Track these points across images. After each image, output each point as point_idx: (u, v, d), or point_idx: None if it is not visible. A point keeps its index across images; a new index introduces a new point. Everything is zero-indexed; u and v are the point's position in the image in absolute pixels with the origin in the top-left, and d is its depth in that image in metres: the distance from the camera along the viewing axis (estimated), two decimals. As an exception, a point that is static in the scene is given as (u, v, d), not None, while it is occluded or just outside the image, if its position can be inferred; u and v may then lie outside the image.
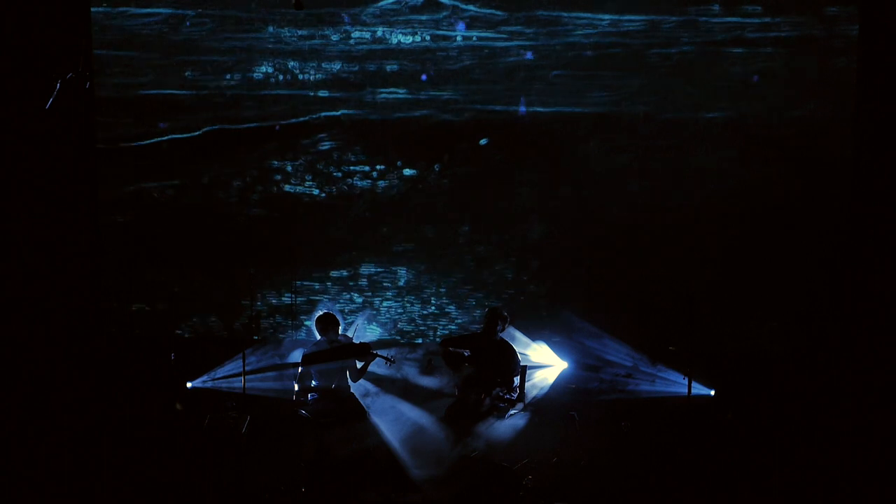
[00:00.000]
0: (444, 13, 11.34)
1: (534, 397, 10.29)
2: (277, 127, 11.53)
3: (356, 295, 11.73)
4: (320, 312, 10.32)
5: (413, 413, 10.01)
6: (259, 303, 11.66)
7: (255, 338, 11.44)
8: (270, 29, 11.45)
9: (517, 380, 10.06)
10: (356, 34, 11.42)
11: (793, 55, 11.12)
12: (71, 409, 9.97)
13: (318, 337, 10.13)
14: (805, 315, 11.27)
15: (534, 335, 10.86)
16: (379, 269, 11.73)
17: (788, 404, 10.04)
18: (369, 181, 11.66)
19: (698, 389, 10.03)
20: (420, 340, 11.69)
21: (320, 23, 11.41)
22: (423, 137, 11.52)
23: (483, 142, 11.51)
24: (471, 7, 11.31)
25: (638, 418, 9.77)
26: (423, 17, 11.35)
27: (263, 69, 11.51)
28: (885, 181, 10.95)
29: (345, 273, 11.73)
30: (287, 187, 11.70)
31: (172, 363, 10.46)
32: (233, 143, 11.60)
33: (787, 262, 11.26)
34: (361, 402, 10.07)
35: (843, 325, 11.21)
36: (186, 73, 11.52)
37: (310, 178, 11.68)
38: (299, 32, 11.45)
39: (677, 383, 10.39)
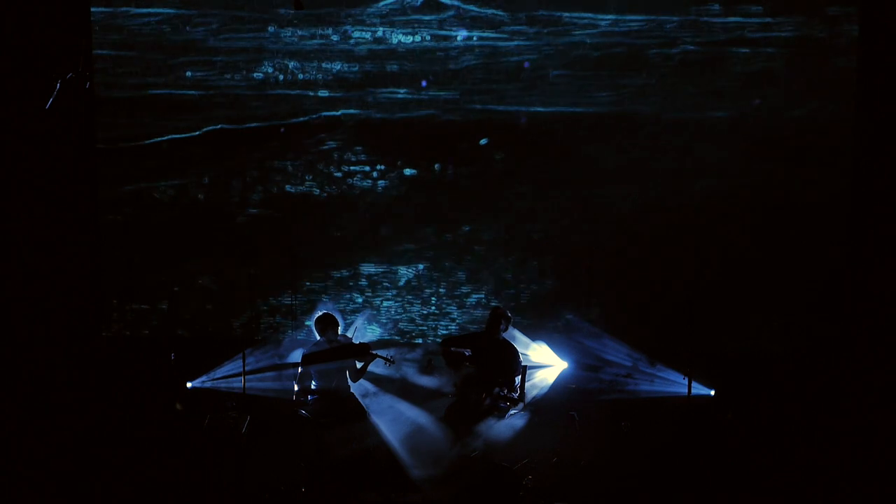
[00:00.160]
0: (445, 13, 11.34)
1: (534, 397, 10.28)
2: (282, 129, 11.53)
3: (356, 295, 11.73)
4: (320, 313, 10.32)
5: (413, 413, 10.01)
6: (259, 303, 11.66)
7: (256, 338, 11.44)
8: (271, 29, 11.45)
9: (518, 379, 10.06)
10: (356, 34, 11.42)
11: (793, 55, 11.12)
12: (71, 409, 9.97)
13: (318, 337, 10.13)
14: (805, 315, 11.27)
15: (534, 335, 10.86)
16: (379, 269, 11.73)
17: (788, 404, 10.04)
18: (370, 181, 11.66)
19: (698, 389, 10.03)
20: (420, 340, 11.69)
21: (320, 23, 11.41)
22: (424, 137, 11.52)
23: (483, 142, 11.51)
24: (471, 7, 11.31)
25: (638, 418, 9.77)
26: (424, 17, 11.35)
27: (264, 69, 11.51)
28: (885, 181, 10.95)
29: (345, 273, 11.73)
30: (287, 187, 11.70)
31: (172, 363, 10.46)
32: (233, 143, 11.61)
33: (787, 262, 11.26)
34: (361, 402, 10.07)
35: (843, 325, 11.21)
36: (186, 73, 11.52)
37: (310, 178, 11.68)
38: (300, 32, 11.45)
39: (677, 383, 10.39)
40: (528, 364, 10.43)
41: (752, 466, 8.85)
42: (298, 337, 11.52)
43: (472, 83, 11.42)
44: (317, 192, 11.69)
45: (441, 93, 11.44)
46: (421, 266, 11.71)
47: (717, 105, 11.25)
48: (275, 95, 11.54)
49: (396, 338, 11.69)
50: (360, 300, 11.74)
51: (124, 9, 11.44)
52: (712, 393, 10.25)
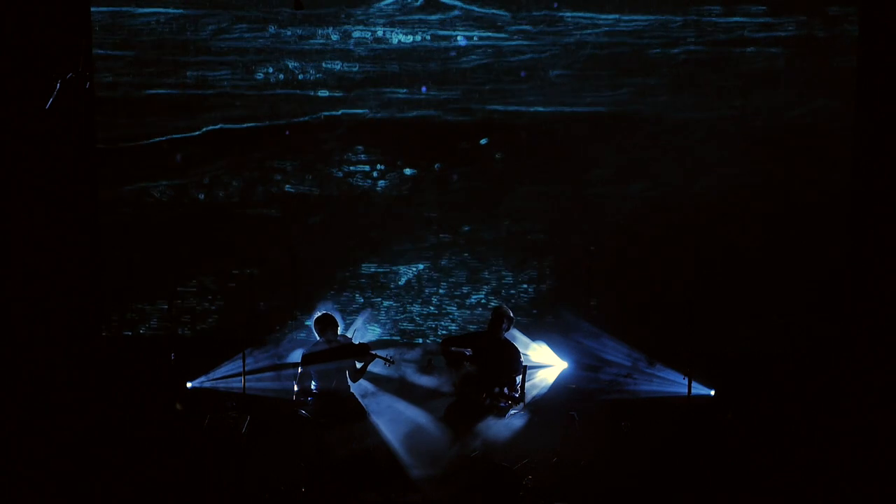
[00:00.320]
0: (445, 13, 11.34)
1: (534, 397, 10.28)
2: (287, 132, 11.53)
3: (357, 295, 11.72)
4: (319, 313, 10.31)
5: (413, 413, 10.01)
6: (259, 303, 11.66)
7: (256, 338, 11.44)
8: (271, 29, 11.45)
9: (518, 379, 10.06)
10: (356, 34, 11.42)
11: (793, 55, 11.12)
12: (71, 409, 9.97)
13: (318, 337, 10.12)
14: (805, 315, 11.26)
15: (534, 335, 10.86)
16: (379, 269, 11.73)
17: (788, 404, 10.04)
18: (370, 181, 11.65)
19: (698, 389, 10.03)
20: (420, 340, 11.69)
21: (320, 23, 11.41)
22: (424, 137, 11.52)
23: (483, 141, 11.51)
24: (472, 7, 11.31)
25: (638, 418, 9.77)
26: (424, 17, 11.35)
27: (264, 69, 11.51)
28: (885, 181, 10.94)
29: (345, 273, 11.73)
30: (287, 187, 11.70)
31: (172, 363, 10.46)
32: (233, 143, 11.61)
33: (787, 262, 11.25)
34: (361, 402, 10.07)
35: (843, 325, 11.20)
36: (186, 73, 11.52)
37: (310, 177, 11.68)
38: (300, 32, 11.45)
39: (677, 383, 10.38)
40: (528, 364, 10.43)
41: (752, 466, 8.85)
42: (298, 337, 11.52)
43: (472, 83, 11.42)
44: (317, 192, 11.69)
45: (441, 93, 11.44)
46: (421, 266, 11.71)
47: (717, 105, 11.25)
48: (275, 95, 11.54)
49: (396, 338, 11.69)
50: (360, 300, 11.74)
51: (125, 9, 11.45)
52: (712, 393, 10.24)
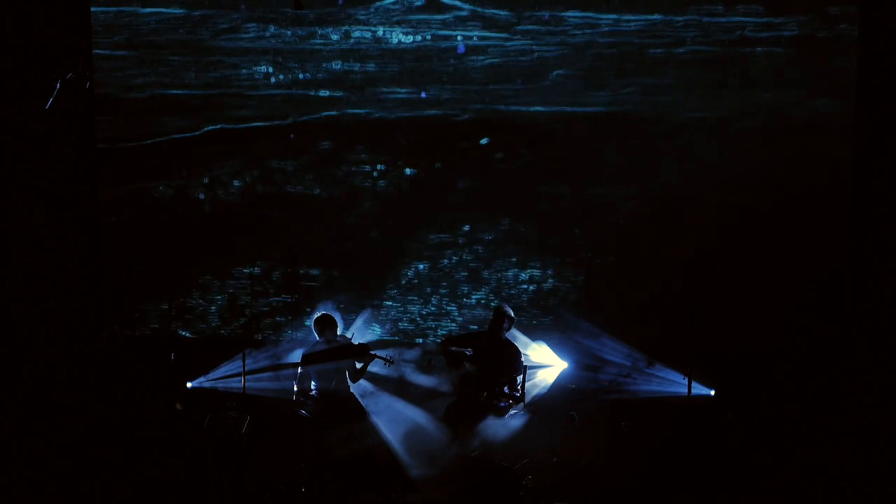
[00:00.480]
0: (446, 13, 11.34)
1: (534, 397, 10.28)
2: (292, 135, 11.53)
3: (357, 295, 11.72)
4: (319, 313, 10.32)
5: (413, 413, 10.01)
6: (260, 303, 11.67)
7: (257, 337, 11.44)
8: (272, 29, 11.45)
9: (519, 379, 10.06)
10: (356, 34, 11.42)
11: (793, 55, 11.12)
12: (71, 409, 9.97)
13: (317, 337, 10.13)
14: (805, 315, 11.26)
15: (534, 335, 10.86)
16: (380, 269, 11.72)
17: (788, 404, 10.04)
18: (370, 181, 11.66)
19: (698, 389, 10.03)
20: (420, 340, 11.69)
21: (320, 22, 11.41)
22: (424, 137, 11.52)
23: (484, 141, 11.51)
24: (473, 7, 11.31)
25: (638, 418, 9.76)
26: (425, 17, 11.35)
27: (264, 69, 11.52)
28: (885, 181, 10.94)
29: (345, 273, 11.72)
30: (288, 187, 11.70)
31: (172, 363, 10.46)
32: (233, 143, 11.61)
33: (787, 262, 11.25)
34: (361, 402, 10.07)
35: (843, 325, 11.20)
36: (187, 74, 11.52)
37: (310, 177, 11.68)
38: (300, 32, 11.45)
39: (677, 383, 10.38)
40: (528, 364, 10.43)
41: (752, 466, 8.85)
42: (298, 337, 11.52)
43: (472, 83, 11.42)
44: (317, 192, 11.69)
45: (442, 93, 11.44)
46: (421, 266, 11.71)
47: (717, 105, 11.25)
48: (275, 95, 11.54)
49: (396, 338, 11.69)
50: (360, 300, 11.73)
51: (125, 8, 11.45)
52: (712, 393, 10.24)
